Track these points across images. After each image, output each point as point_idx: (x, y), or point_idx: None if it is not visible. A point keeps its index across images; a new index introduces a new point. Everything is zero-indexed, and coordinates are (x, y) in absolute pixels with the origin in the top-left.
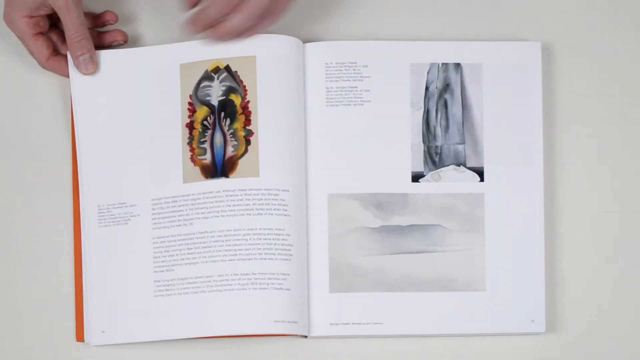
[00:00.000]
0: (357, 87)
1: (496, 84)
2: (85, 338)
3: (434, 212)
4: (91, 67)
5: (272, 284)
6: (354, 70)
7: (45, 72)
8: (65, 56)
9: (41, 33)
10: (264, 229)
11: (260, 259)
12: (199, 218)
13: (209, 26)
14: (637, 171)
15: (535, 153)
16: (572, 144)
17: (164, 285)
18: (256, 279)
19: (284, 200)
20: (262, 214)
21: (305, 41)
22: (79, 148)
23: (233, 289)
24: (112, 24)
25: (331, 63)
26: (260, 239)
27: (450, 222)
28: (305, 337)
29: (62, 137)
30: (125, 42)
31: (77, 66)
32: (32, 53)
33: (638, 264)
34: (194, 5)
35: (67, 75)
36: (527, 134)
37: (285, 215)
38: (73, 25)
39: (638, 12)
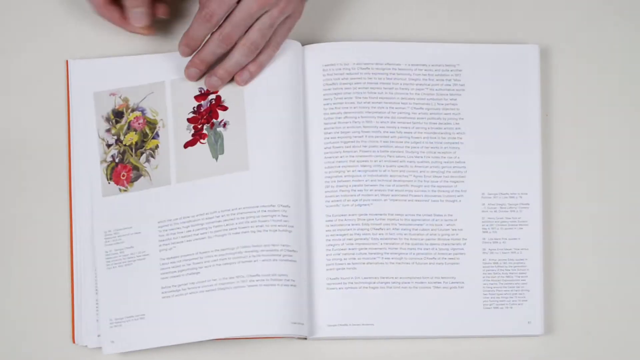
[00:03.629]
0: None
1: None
2: (77, 339)
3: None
4: (144, 20)
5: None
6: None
7: (43, 71)
8: (121, 6)
9: None
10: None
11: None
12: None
13: (208, 67)
14: (636, 172)
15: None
16: (571, 146)
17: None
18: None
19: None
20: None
21: (304, 43)
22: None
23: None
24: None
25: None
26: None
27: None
28: (305, 338)
29: (60, 136)
30: (168, 16)
31: (130, 18)
32: None
33: (637, 265)
34: (193, 52)
35: (120, 26)
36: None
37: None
38: None
39: (636, 14)
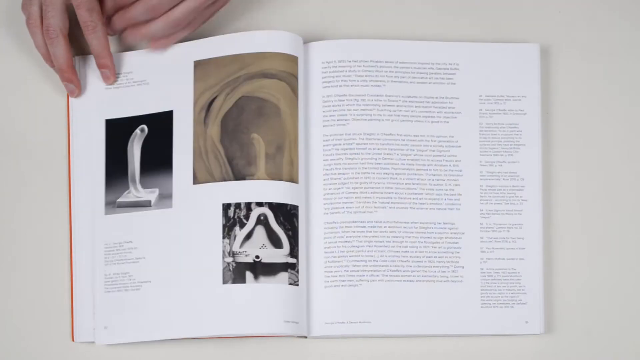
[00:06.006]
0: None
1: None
2: (76, 337)
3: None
4: (111, 79)
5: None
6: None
7: (42, 73)
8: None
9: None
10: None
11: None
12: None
13: (129, 26)
14: (636, 172)
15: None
16: (571, 146)
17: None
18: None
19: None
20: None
21: (306, 41)
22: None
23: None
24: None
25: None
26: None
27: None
28: (306, 337)
29: (60, 136)
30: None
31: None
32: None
33: (637, 265)
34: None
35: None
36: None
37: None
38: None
39: (636, 14)
